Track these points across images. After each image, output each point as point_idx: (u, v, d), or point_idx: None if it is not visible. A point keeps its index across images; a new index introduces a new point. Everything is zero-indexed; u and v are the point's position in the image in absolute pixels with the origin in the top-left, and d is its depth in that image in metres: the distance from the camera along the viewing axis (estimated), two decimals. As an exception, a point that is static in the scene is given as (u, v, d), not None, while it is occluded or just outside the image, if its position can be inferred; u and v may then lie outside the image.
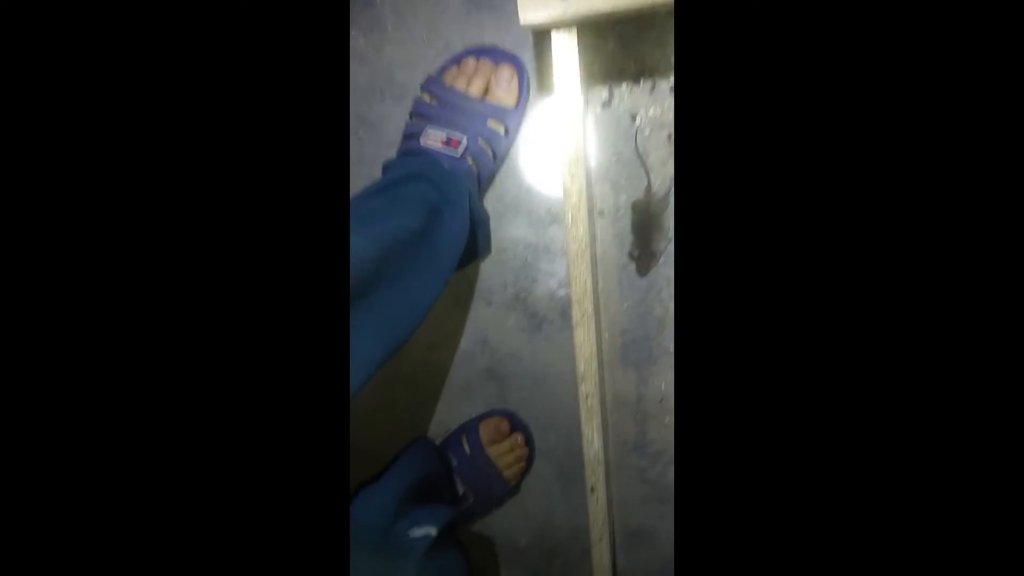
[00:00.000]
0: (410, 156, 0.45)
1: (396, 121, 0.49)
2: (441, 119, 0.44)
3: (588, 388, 0.42)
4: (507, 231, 0.52)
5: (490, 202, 0.51)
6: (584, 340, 0.41)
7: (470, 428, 0.56)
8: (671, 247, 0.48)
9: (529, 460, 0.57)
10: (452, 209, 0.42)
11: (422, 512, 0.46)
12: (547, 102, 0.47)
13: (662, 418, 0.54)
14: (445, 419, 0.58)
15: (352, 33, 0.49)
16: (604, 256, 0.50)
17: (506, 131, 0.46)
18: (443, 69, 0.47)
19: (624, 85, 0.46)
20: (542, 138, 0.48)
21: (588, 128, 0.47)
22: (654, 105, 0.46)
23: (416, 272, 0.39)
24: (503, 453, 0.55)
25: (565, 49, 0.35)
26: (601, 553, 0.47)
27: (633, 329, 0.52)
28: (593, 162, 0.48)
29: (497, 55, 0.46)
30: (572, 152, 0.37)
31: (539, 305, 0.53)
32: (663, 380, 0.53)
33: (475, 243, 0.48)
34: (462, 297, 0.55)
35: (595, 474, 0.45)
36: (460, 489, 0.55)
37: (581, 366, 0.42)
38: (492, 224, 0.51)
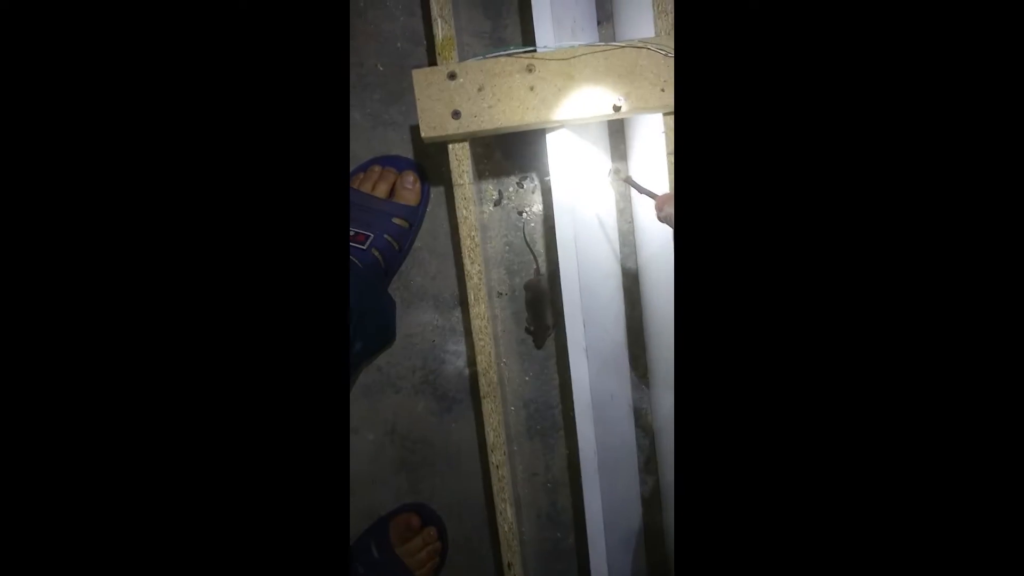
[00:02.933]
0: None
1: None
2: (350, 218, 0.48)
3: (498, 458, 0.44)
4: (414, 316, 0.55)
5: (397, 291, 0.54)
6: (492, 410, 0.44)
7: (378, 530, 0.53)
8: (565, 319, 0.54)
9: (443, 554, 0.55)
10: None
11: None
12: (446, 200, 0.54)
13: (570, 485, 0.56)
14: (355, 517, 0.55)
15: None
16: (504, 333, 0.55)
17: (410, 226, 0.51)
18: (352, 175, 0.52)
19: (511, 187, 0.54)
20: (444, 231, 0.54)
21: (484, 222, 0.54)
22: (537, 203, 0.54)
23: None
24: (414, 551, 0.53)
25: (460, 158, 0.42)
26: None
27: (536, 399, 0.56)
28: (490, 251, 0.54)
29: (401, 163, 0.53)
30: (469, 241, 0.43)
31: (448, 385, 0.55)
32: (568, 446, 0.56)
33: (384, 331, 0.50)
34: (370, 387, 0.55)
35: (511, 549, 0.45)
36: None
37: (491, 436, 0.44)
38: (399, 311, 0.54)
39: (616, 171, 0.51)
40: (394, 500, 0.55)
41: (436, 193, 0.54)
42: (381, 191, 0.50)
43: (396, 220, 0.50)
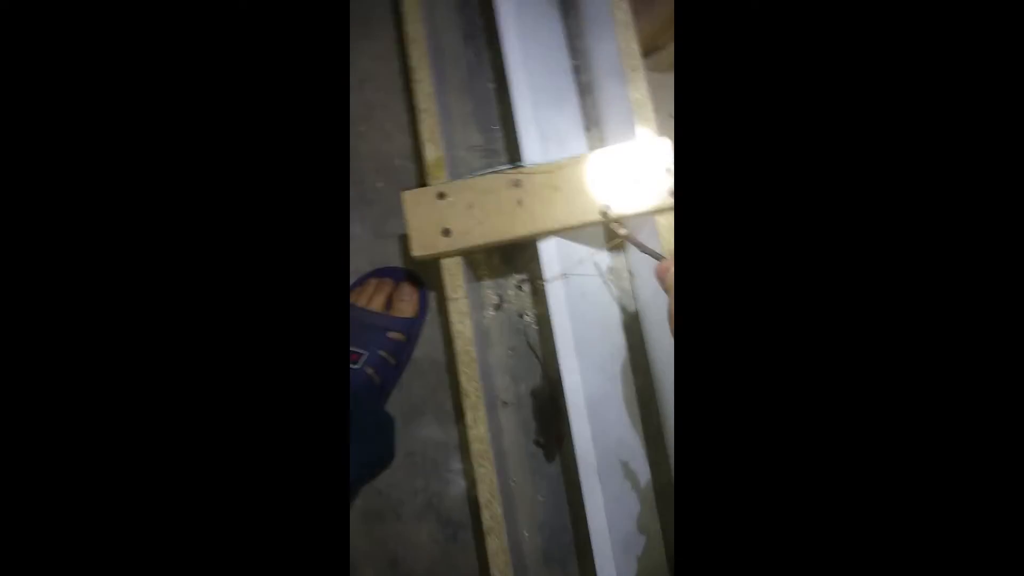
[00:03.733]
0: None
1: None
2: None
3: (509, 606, 0.38)
4: (415, 432, 0.51)
5: (397, 404, 0.52)
6: (498, 549, 0.39)
7: None
8: (573, 432, 0.50)
9: None
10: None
11: None
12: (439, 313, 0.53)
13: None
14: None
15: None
16: (512, 447, 0.51)
17: (408, 339, 0.50)
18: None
19: (511, 291, 0.53)
20: (438, 341, 0.52)
21: (485, 327, 0.52)
22: (538, 305, 0.53)
23: None
24: None
25: (452, 273, 0.42)
26: None
27: (552, 521, 0.50)
28: (492, 358, 0.52)
29: (398, 273, 0.52)
30: (466, 356, 0.41)
31: (453, 510, 0.50)
32: (589, 572, 0.49)
33: (381, 449, 0.47)
34: (370, 514, 0.50)
35: None
36: None
37: (498, 579, 0.39)
38: (401, 426, 0.51)
39: (608, 212, 0.43)
40: (397, 650, 0.48)
41: (436, 300, 0.53)
42: (377, 304, 0.49)
43: (392, 334, 0.49)
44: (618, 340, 0.49)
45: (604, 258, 0.50)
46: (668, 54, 0.50)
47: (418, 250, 0.40)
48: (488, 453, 0.40)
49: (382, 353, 0.47)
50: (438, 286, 0.52)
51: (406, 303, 0.50)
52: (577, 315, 0.42)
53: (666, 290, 0.32)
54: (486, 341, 0.52)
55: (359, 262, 0.53)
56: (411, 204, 0.41)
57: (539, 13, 0.51)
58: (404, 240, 0.53)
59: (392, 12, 0.58)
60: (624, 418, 0.48)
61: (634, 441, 0.48)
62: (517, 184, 0.40)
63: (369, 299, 0.50)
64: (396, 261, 0.54)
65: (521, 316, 0.53)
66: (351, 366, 0.46)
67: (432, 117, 0.43)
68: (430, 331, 0.52)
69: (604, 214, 0.40)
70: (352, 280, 0.52)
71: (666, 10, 0.46)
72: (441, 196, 0.40)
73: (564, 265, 0.42)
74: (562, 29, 0.53)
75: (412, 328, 0.50)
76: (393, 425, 0.50)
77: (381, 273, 0.52)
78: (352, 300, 0.50)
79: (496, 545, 0.39)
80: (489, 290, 0.53)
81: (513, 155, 0.53)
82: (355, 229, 0.54)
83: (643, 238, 0.43)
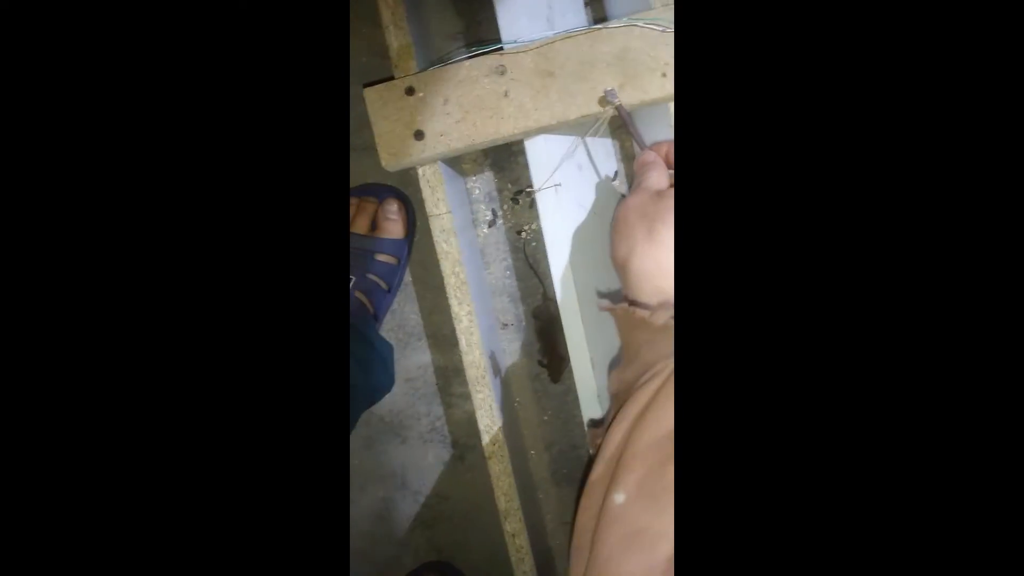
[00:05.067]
0: None
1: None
2: None
3: (514, 525, 0.38)
4: (414, 358, 0.49)
5: (392, 331, 0.49)
6: (500, 472, 0.38)
7: None
8: (570, 352, 0.48)
9: (473, 616, 0.50)
10: None
11: None
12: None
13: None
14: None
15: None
16: (516, 368, 0.49)
17: (399, 261, 0.46)
18: None
19: (506, 205, 0.48)
20: (436, 260, 0.48)
21: (480, 246, 0.48)
22: (535, 219, 0.48)
23: None
24: None
25: (432, 184, 0.36)
26: None
27: (559, 440, 0.49)
28: (489, 278, 0.48)
29: (380, 191, 0.47)
30: (454, 278, 0.37)
31: (459, 432, 0.49)
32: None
33: (378, 378, 0.45)
34: (374, 438, 0.50)
35: (540, 625, 0.39)
36: None
37: (502, 502, 0.38)
38: (397, 353, 0.49)
39: (612, 99, 0.35)
40: (413, 561, 0.50)
41: (423, 219, 0.48)
42: (361, 226, 0.45)
43: (381, 257, 0.45)
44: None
45: (610, 162, 0.44)
46: None
47: (388, 159, 0.35)
48: (485, 378, 0.37)
49: (372, 277, 0.44)
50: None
51: (392, 223, 0.45)
52: (575, 228, 0.38)
53: (634, 185, 0.30)
54: (481, 261, 0.48)
55: (337, 180, 0.48)
56: (375, 103, 0.34)
57: None
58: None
59: None
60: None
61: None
62: (501, 71, 0.34)
63: (352, 221, 0.45)
64: (374, 177, 0.48)
65: (519, 232, 0.48)
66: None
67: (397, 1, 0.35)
68: (420, 252, 0.48)
69: (607, 103, 0.34)
70: None
71: None
72: (410, 91, 0.34)
73: (560, 170, 0.37)
74: None
75: (401, 249, 0.46)
76: (392, 352, 0.47)
77: (363, 192, 0.47)
78: None
79: (499, 469, 0.37)
80: (481, 204, 0.48)
81: (487, 30, 0.45)
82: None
83: (654, 132, 0.37)
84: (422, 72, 0.34)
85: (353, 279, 0.43)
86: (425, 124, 0.34)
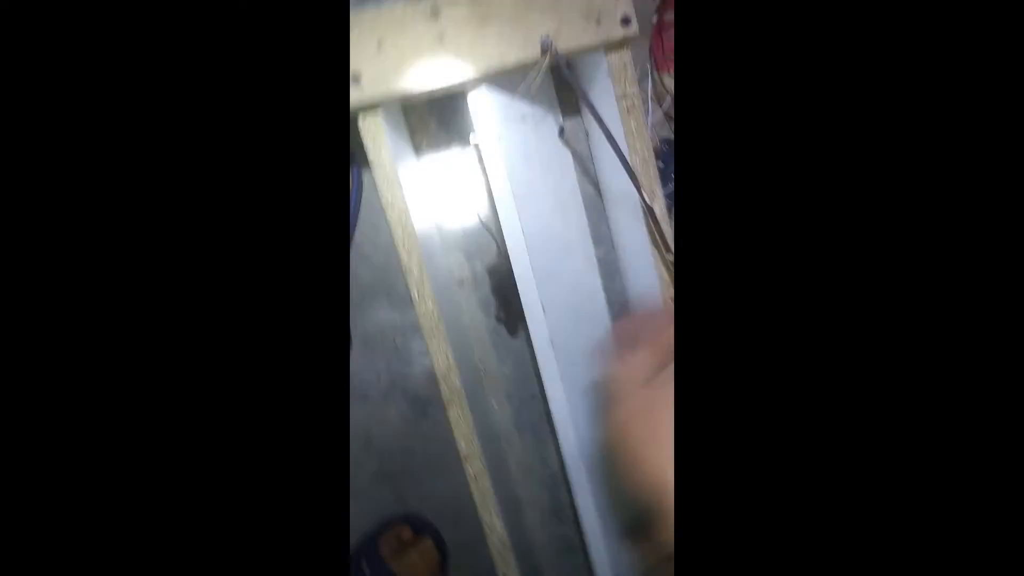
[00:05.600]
0: None
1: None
2: None
3: (476, 467, 0.39)
4: (370, 317, 0.49)
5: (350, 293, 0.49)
6: (459, 417, 0.39)
7: (367, 548, 0.49)
8: (524, 306, 0.48)
9: (443, 564, 0.51)
10: None
11: None
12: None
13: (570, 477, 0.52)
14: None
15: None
16: (473, 324, 0.49)
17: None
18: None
19: (451, 155, 0.47)
20: (377, 218, 0.48)
21: (429, 203, 0.47)
22: (483, 174, 0.47)
23: None
24: (411, 564, 0.49)
25: (373, 133, 0.36)
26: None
27: (519, 391, 0.50)
28: (442, 235, 0.48)
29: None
30: (402, 231, 0.37)
31: (420, 389, 0.50)
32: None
33: None
34: (334, 398, 0.50)
35: (505, 561, 0.41)
36: None
37: (462, 445, 0.39)
38: (352, 312, 0.48)
39: (549, 47, 0.40)
40: (381, 517, 0.51)
41: (370, 177, 0.47)
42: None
43: None
44: (576, 216, 0.45)
45: (553, 115, 0.44)
46: None
47: (327, 108, 0.34)
48: (440, 328, 0.38)
49: None
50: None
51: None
52: (524, 186, 0.38)
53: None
54: (434, 216, 0.47)
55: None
56: (310, 49, 0.33)
57: None
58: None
59: None
60: (587, 285, 0.46)
61: (596, 304, 0.46)
62: (435, 14, 0.33)
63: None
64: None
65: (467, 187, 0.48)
66: None
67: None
68: (367, 212, 0.47)
69: (545, 51, 0.33)
70: None
71: None
72: (345, 35, 0.33)
73: (503, 123, 0.36)
74: None
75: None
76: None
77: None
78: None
79: (457, 415, 0.38)
80: (429, 151, 0.47)
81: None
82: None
83: (594, 88, 0.37)
84: (355, 12, 0.33)
85: None
86: (361, 66, 0.33)
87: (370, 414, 0.50)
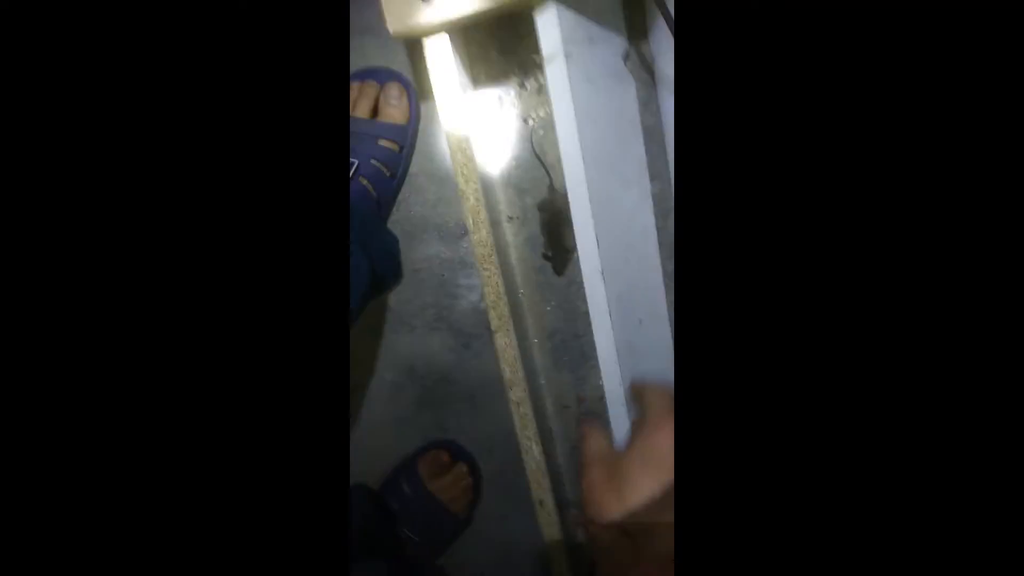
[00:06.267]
0: None
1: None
2: None
3: (518, 394, 0.40)
4: (419, 250, 0.50)
5: (398, 223, 0.50)
6: (506, 345, 0.40)
7: (408, 467, 0.52)
8: (577, 243, 0.48)
9: (477, 488, 0.54)
10: None
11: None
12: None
13: (605, 415, 0.53)
14: (382, 458, 0.54)
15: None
16: (520, 261, 0.50)
17: (400, 148, 0.45)
18: None
19: (512, 91, 0.47)
20: (440, 151, 0.48)
21: (484, 135, 0.47)
22: (543, 106, 0.47)
23: None
24: (447, 486, 0.52)
25: (440, 55, 0.35)
26: (561, 568, 0.44)
27: (562, 329, 0.51)
28: (495, 169, 0.48)
29: (381, 75, 0.46)
30: (462, 157, 0.37)
31: (464, 322, 0.51)
32: (599, 376, 0.52)
33: (384, 267, 0.46)
34: (380, 326, 0.52)
35: (540, 486, 0.42)
36: (405, 534, 0.51)
37: (507, 372, 0.40)
38: (403, 245, 0.49)
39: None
40: (421, 440, 0.54)
41: (428, 108, 0.47)
42: (363, 110, 0.44)
43: (383, 142, 0.44)
44: (635, 147, 0.44)
45: (620, 40, 0.42)
46: None
47: (395, 24, 0.34)
48: (492, 257, 0.38)
49: (375, 163, 0.43)
50: (427, 84, 0.46)
51: (394, 108, 0.44)
52: (586, 108, 0.37)
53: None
54: (486, 150, 0.47)
55: (338, 65, 0.47)
56: (381, -39, 0.33)
57: None
58: (387, 34, 0.46)
59: None
60: (640, 222, 0.45)
61: (648, 245, 0.46)
62: (510, -77, 0.32)
63: (353, 105, 0.44)
64: (377, 59, 0.47)
65: (525, 120, 0.47)
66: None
67: None
68: (423, 143, 0.47)
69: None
70: None
71: None
72: (416, -53, 0.32)
73: (569, 43, 0.35)
74: None
75: (404, 135, 0.45)
76: (397, 244, 0.48)
77: (364, 76, 0.46)
78: None
79: (503, 342, 0.39)
80: (487, 90, 0.47)
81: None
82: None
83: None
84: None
85: (356, 163, 0.42)
86: (431, -16, 0.33)
87: (414, 343, 0.52)
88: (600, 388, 0.52)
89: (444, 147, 0.47)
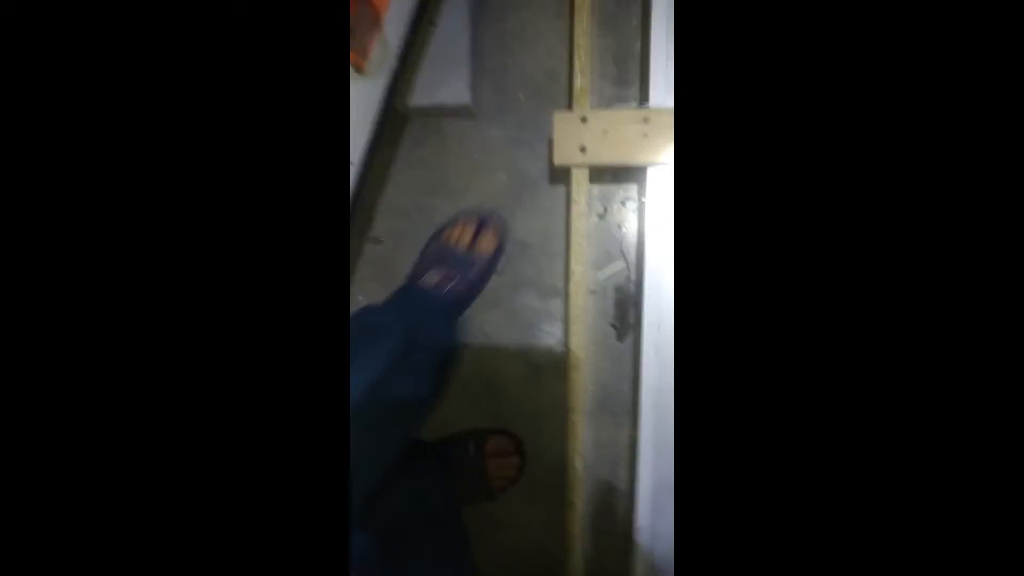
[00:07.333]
0: (390, 303, 0.58)
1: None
2: (437, 264, 0.61)
3: (576, 418, 0.56)
4: (519, 299, 0.68)
5: (508, 279, 0.68)
6: (577, 380, 0.56)
7: (479, 436, 0.67)
8: (644, 320, 0.65)
9: (516, 481, 0.69)
10: (420, 351, 0.51)
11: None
12: (565, 213, 0.66)
13: (631, 461, 0.67)
14: (449, 421, 0.70)
15: (421, 151, 0.68)
16: (592, 325, 0.66)
17: (487, 270, 0.64)
18: (442, 229, 0.64)
19: (615, 205, 0.66)
20: (557, 235, 0.67)
21: (587, 231, 0.66)
22: (634, 221, 0.65)
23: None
24: (499, 466, 0.67)
25: (580, 182, 0.55)
26: (576, 568, 0.57)
27: (611, 384, 0.67)
28: (590, 256, 0.66)
29: (483, 214, 0.64)
30: (577, 246, 0.55)
31: (539, 358, 0.68)
32: (634, 428, 0.67)
33: (426, 345, 0.54)
34: (475, 348, 0.69)
35: (576, 492, 0.57)
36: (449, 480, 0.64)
37: (573, 400, 0.56)
38: (508, 294, 0.67)
39: None
40: (489, 421, 0.69)
41: (554, 202, 0.66)
42: (464, 242, 0.62)
43: (476, 266, 0.62)
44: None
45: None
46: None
47: (559, 159, 0.53)
48: (582, 317, 0.55)
49: (467, 279, 0.62)
50: (565, 189, 0.65)
51: (488, 242, 0.63)
52: (666, 240, 0.55)
53: None
54: (587, 242, 0.66)
55: (494, 160, 0.67)
56: (559, 123, 0.53)
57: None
58: (535, 147, 0.66)
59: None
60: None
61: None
62: (646, 120, 0.51)
63: (458, 239, 0.63)
64: (528, 163, 0.67)
65: (620, 227, 0.66)
66: (445, 286, 0.59)
67: (586, 53, 0.53)
68: (545, 227, 0.66)
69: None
70: (445, 222, 0.65)
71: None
72: (583, 120, 0.52)
73: (668, 195, 0.54)
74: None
75: (493, 261, 0.64)
76: (451, 337, 0.62)
77: (468, 213, 0.64)
78: (445, 239, 0.63)
79: (575, 377, 0.56)
80: (597, 202, 0.66)
81: (642, 90, 0.63)
82: (495, 133, 0.67)
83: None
84: (593, 110, 0.52)
85: (457, 275, 0.60)
86: (588, 143, 0.52)
87: (496, 367, 0.69)
88: (629, 438, 0.66)
89: (559, 233, 0.66)
